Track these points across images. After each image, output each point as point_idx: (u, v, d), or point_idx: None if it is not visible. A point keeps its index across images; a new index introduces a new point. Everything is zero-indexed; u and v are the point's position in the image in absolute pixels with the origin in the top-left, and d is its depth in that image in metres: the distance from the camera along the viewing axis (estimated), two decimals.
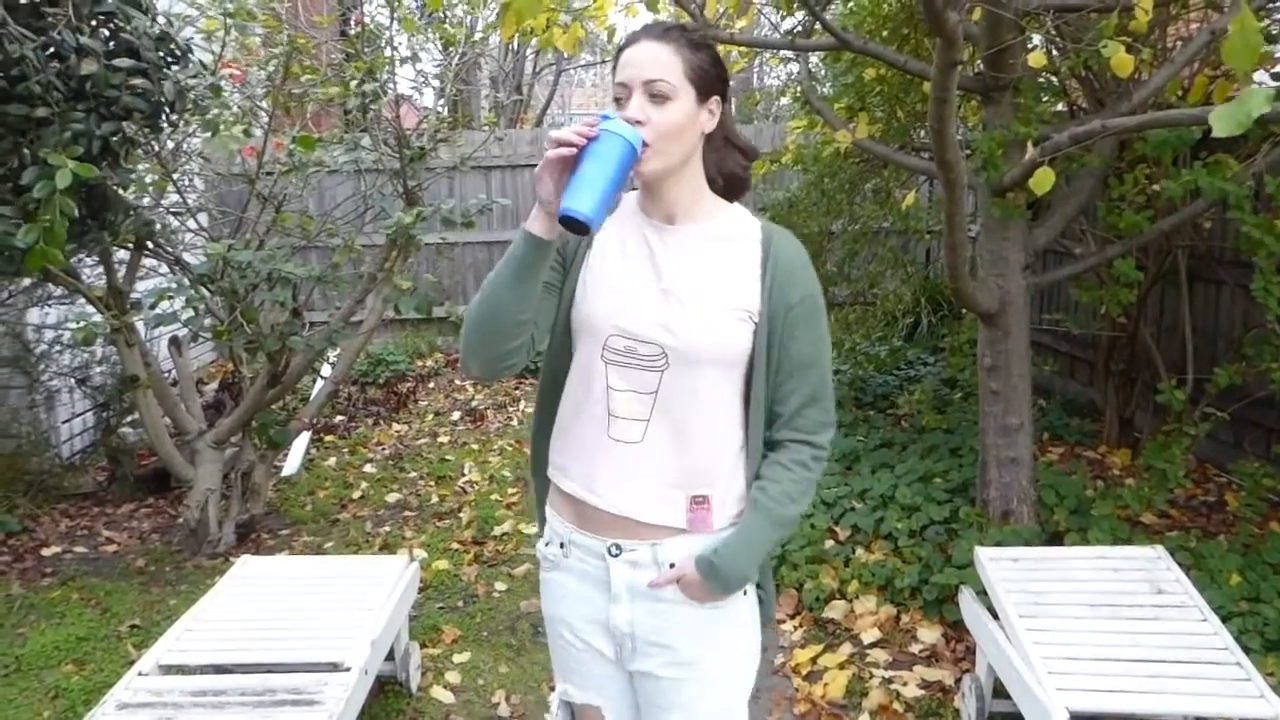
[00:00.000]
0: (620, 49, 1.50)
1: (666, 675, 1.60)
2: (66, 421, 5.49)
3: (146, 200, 4.08)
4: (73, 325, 4.07)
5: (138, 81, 3.30)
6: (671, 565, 1.55)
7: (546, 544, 1.68)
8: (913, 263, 6.94)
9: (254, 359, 4.64)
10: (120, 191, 3.60)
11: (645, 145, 1.43)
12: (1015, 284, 3.67)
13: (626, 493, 1.55)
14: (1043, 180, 2.80)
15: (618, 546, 1.57)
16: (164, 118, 3.65)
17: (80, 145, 3.09)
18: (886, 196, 5.65)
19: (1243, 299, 4.46)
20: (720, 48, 1.46)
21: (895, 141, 4.90)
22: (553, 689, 3.04)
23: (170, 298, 3.85)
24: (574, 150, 1.38)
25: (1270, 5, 3.47)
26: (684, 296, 1.52)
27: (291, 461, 5.37)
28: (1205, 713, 2.38)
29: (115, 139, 3.27)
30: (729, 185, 1.61)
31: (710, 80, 1.50)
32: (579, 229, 1.37)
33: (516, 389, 7.04)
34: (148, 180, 3.80)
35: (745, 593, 1.63)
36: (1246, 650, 2.63)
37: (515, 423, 6.25)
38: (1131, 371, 4.94)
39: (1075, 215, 3.91)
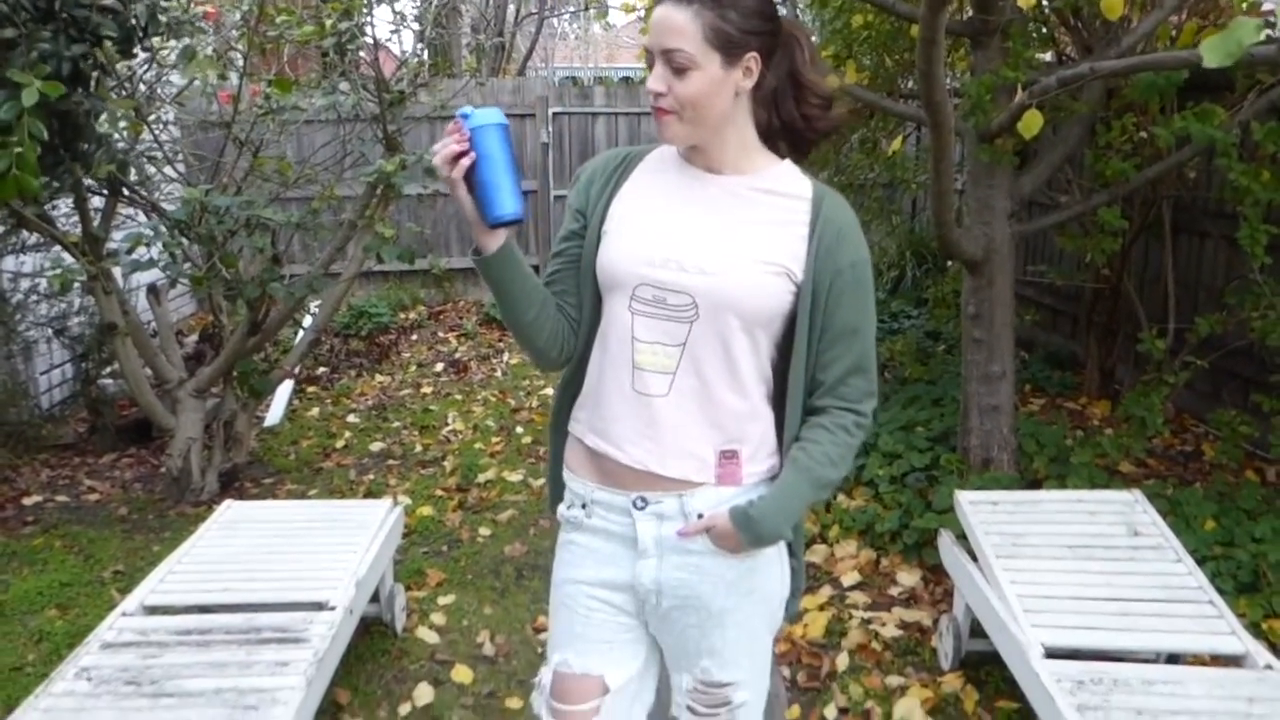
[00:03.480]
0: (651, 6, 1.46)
1: (693, 624, 1.58)
2: (45, 373, 5.44)
3: (120, 138, 3.99)
4: (49, 273, 4.01)
5: (108, 1, 3.21)
6: (700, 516, 1.52)
7: (568, 507, 1.64)
8: (898, 213, 6.92)
9: (234, 309, 4.60)
10: (92, 121, 3.51)
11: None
12: (1001, 232, 3.66)
13: (650, 448, 1.51)
14: (1031, 123, 2.79)
15: (643, 499, 1.53)
16: (136, 42, 3.55)
17: (48, 66, 3.00)
18: (873, 147, 5.62)
19: (1225, 251, 4.48)
20: None
21: (883, 90, 4.85)
22: (537, 630, 3.08)
23: (147, 244, 3.80)
24: (467, 161, 1.43)
25: None
26: (721, 245, 1.47)
27: (274, 412, 5.35)
28: (1177, 649, 2.43)
29: (86, 63, 3.18)
30: (788, 132, 1.53)
31: (738, 40, 1.41)
32: (514, 223, 1.47)
33: (500, 340, 7.02)
34: (120, 114, 3.70)
35: (778, 550, 1.60)
36: (1220, 592, 2.67)
37: (499, 374, 6.24)
38: (1113, 324, 4.97)
39: (1062, 164, 3.90)
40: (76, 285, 5.07)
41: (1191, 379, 3.99)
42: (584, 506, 1.61)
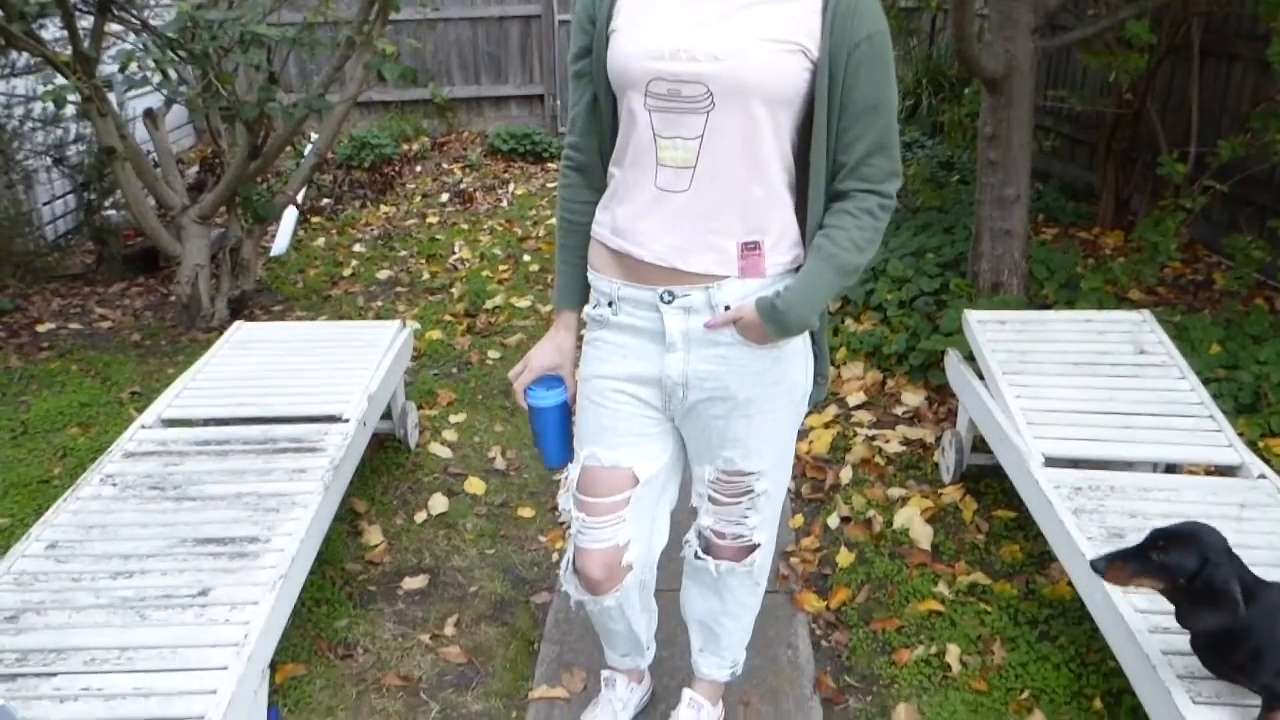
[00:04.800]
0: None
1: (719, 415, 1.61)
2: (48, 203, 5.39)
3: None
4: (43, 93, 3.91)
5: None
6: (727, 308, 1.52)
7: (594, 305, 1.65)
8: (917, 34, 6.66)
9: (234, 136, 4.50)
10: None
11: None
12: (1023, 48, 3.52)
13: (673, 244, 1.50)
14: None
15: (670, 293, 1.53)
16: None
17: None
18: None
19: (1254, 74, 4.32)
20: None
21: None
22: None
23: (139, 63, 3.67)
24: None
25: None
26: (730, 29, 1.42)
27: (280, 241, 5.33)
28: (1175, 459, 2.47)
29: None
30: None
31: None
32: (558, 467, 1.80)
33: (506, 172, 6.91)
34: None
35: (803, 340, 1.62)
36: (1220, 412, 2.70)
37: (505, 204, 6.17)
38: (1133, 151, 4.86)
39: None
40: (72, 110, 4.96)
41: (1208, 206, 3.92)
42: (610, 304, 1.61)
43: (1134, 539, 2.11)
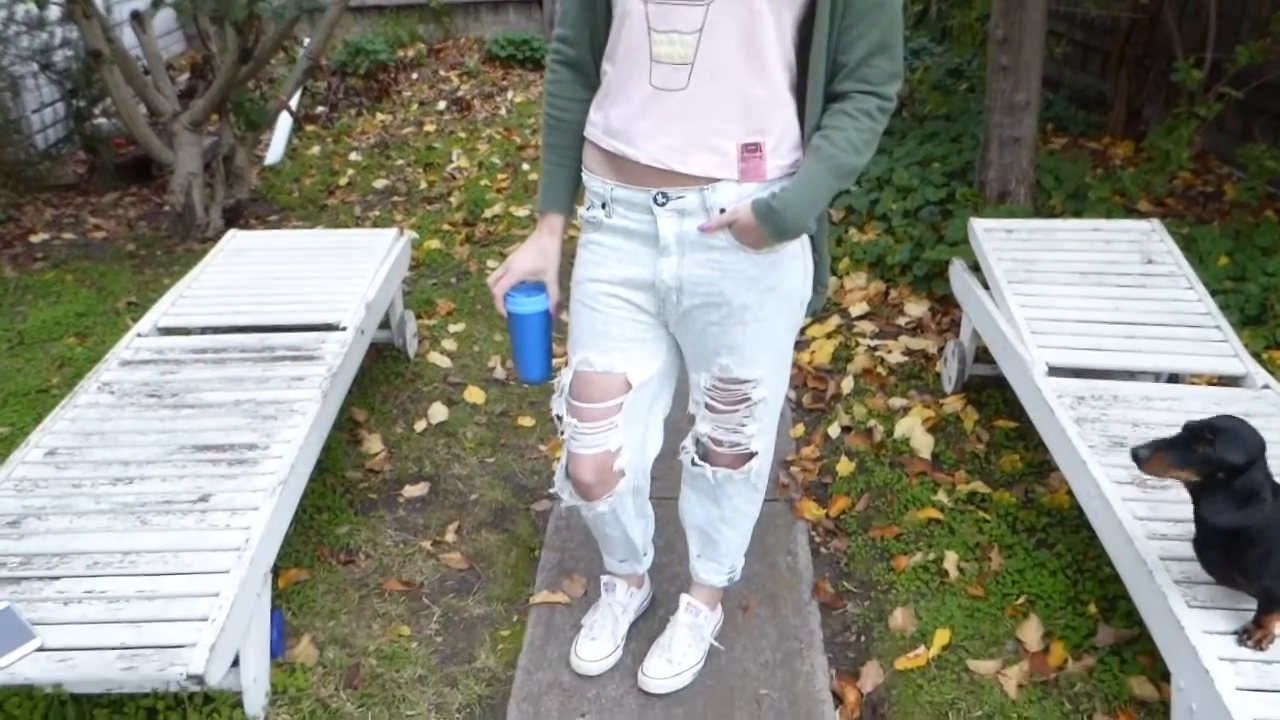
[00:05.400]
0: None
1: (714, 321, 1.58)
2: (36, 111, 5.27)
3: None
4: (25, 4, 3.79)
5: None
6: (722, 211, 1.48)
7: (587, 208, 1.60)
8: None
9: (224, 40, 4.38)
10: None
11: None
12: None
13: (670, 144, 1.45)
14: None
15: (664, 195, 1.49)
16: None
17: None
18: None
19: None
20: None
21: None
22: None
23: None
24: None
25: None
26: None
27: (274, 150, 5.24)
28: (1180, 369, 2.46)
29: None
30: None
31: None
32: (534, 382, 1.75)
33: (504, 79, 6.75)
34: None
35: (800, 246, 1.58)
36: None
37: (503, 112, 6.04)
38: (1147, 60, 4.73)
39: None
40: (56, 13, 4.82)
41: (1221, 115, 3.82)
42: (604, 206, 1.56)
43: None
